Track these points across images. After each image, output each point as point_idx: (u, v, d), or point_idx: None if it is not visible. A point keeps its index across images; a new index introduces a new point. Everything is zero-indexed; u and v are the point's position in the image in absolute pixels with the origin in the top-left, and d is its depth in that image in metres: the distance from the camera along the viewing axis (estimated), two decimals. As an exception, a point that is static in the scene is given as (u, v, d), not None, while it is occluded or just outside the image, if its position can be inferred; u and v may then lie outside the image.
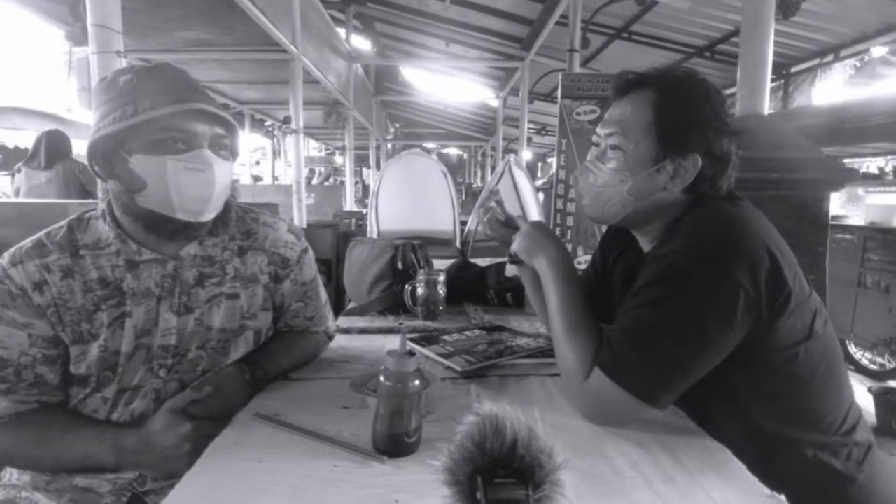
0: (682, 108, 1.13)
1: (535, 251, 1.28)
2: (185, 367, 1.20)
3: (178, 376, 1.19)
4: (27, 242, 1.14)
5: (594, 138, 1.25)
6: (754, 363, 1.05)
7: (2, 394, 1.08)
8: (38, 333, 1.10)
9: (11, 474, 1.18)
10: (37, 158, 4.49)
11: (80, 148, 10.97)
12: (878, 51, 6.47)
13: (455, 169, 26.76)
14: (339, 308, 1.95)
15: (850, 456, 1.07)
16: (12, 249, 1.13)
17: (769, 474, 0.90)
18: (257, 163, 20.99)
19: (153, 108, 1.08)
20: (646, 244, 1.26)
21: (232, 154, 1.23)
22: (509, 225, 1.42)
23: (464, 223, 5.08)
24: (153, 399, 1.16)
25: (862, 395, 3.51)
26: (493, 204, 1.45)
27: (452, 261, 2.50)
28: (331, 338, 1.58)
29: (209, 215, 1.20)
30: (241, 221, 1.35)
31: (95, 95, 1.15)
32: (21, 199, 4.31)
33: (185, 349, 1.20)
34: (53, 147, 4.54)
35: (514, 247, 1.34)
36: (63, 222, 1.19)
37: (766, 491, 0.85)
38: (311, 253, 1.47)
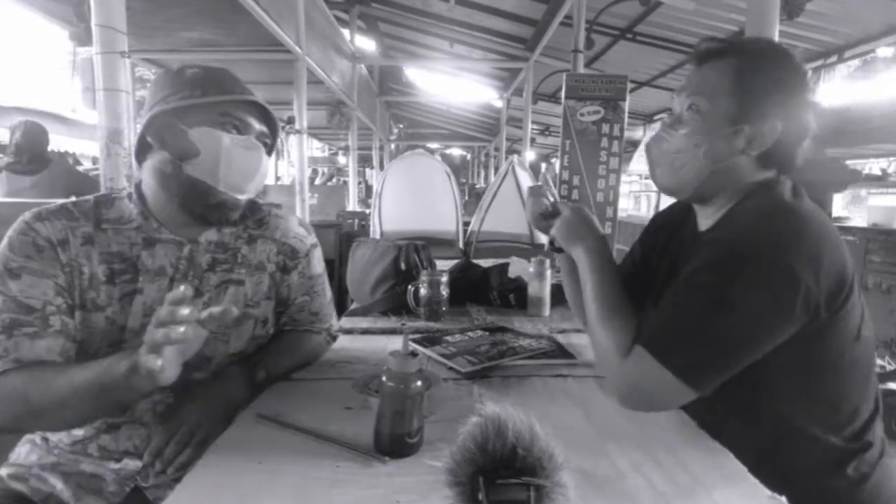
0: (765, 73, 1.10)
1: (572, 239, 1.28)
2: None
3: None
4: (52, 205, 1.17)
5: (671, 106, 1.22)
6: (801, 357, 1.03)
7: (28, 337, 1.06)
8: (62, 284, 1.11)
9: (19, 454, 1.19)
10: (20, 163, 4.23)
11: (83, 147, 11.03)
12: (882, 51, 6.46)
13: (458, 169, 26.71)
14: (341, 309, 1.95)
15: (863, 459, 1.07)
16: (35, 209, 1.15)
17: (777, 470, 0.90)
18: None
19: (221, 94, 1.21)
20: (706, 218, 1.22)
21: (268, 153, 1.33)
22: (553, 215, 1.38)
23: (467, 224, 5.08)
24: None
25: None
26: (543, 194, 1.41)
27: (455, 261, 2.50)
28: (334, 338, 1.58)
29: (246, 195, 1.27)
30: (255, 210, 1.39)
31: (157, 81, 1.24)
32: (17, 200, 4.23)
33: None
34: (36, 149, 4.28)
35: (553, 232, 1.33)
36: (89, 196, 1.23)
37: (768, 492, 0.85)
38: (319, 249, 1.51)
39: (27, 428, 1.18)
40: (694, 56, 1.18)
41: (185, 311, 0.88)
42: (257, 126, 1.27)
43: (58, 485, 1.14)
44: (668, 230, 1.38)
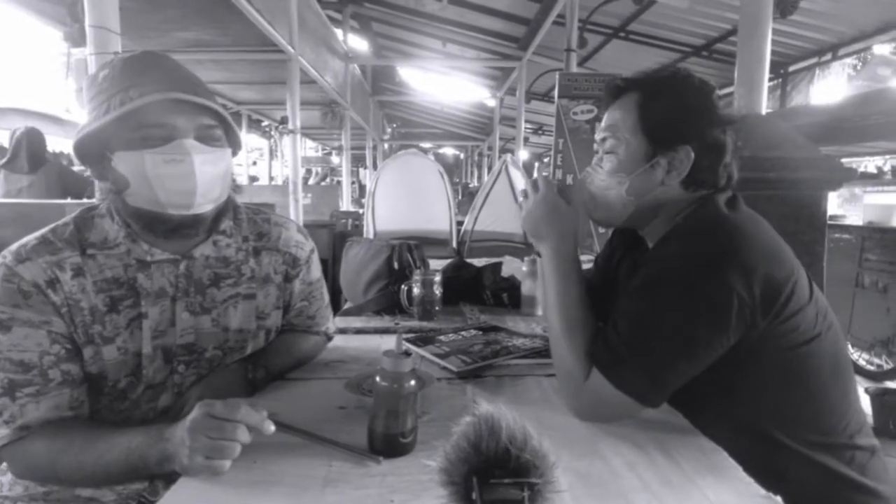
0: (665, 102, 1.15)
1: (539, 234, 1.26)
2: (203, 364, 1.20)
3: (196, 372, 1.19)
4: (31, 240, 1.08)
5: (595, 146, 1.28)
6: (755, 364, 1.05)
7: (32, 397, 1.01)
8: (57, 330, 1.04)
9: (1, 486, 1.12)
10: (18, 161, 4.39)
11: (70, 147, 11.01)
12: (877, 49, 6.47)
13: (452, 169, 26.76)
14: (335, 308, 1.94)
15: (853, 459, 1.06)
16: (13, 247, 1.06)
17: (768, 476, 0.90)
18: (254, 163, 20.96)
19: (122, 105, 1.03)
20: (652, 239, 1.25)
21: (230, 143, 1.19)
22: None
23: (460, 223, 5.08)
24: (174, 393, 1.17)
25: (859, 396, 3.48)
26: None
27: (448, 261, 2.49)
28: (330, 339, 1.58)
29: (202, 208, 1.14)
30: (252, 223, 1.34)
31: (84, 93, 1.11)
32: (17, 200, 4.26)
33: (202, 348, 1.20)
34: (34, 149, 4.44)
35: (521, 223, 1.31)
36: (67, 219, 1.13)
37: (762, 491, 0.85)
38: (317, 253, 1.47)
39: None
40: (605, 98, 1.25)
41: (245, 437, 0.88)
42: (190, 123, 1.09)
43: None
44: (625, 244, 1.41)
